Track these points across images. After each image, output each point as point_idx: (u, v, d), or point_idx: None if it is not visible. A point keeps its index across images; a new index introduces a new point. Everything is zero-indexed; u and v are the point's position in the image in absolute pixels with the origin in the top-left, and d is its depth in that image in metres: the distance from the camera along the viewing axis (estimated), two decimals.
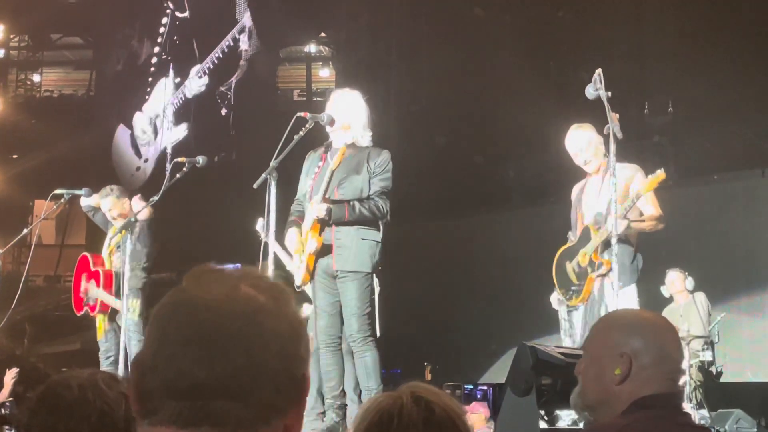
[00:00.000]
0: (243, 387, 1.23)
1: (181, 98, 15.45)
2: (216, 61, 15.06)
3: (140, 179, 15.36)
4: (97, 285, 7.60)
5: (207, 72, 15.14)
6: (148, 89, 15.90)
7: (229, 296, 1.27)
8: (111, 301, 7.48)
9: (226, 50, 14.95)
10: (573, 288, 5.89)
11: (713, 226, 10.35)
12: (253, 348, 1.25)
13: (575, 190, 6.08)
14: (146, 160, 15.73)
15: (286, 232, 5.65)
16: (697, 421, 7.39)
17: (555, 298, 6.14)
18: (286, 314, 1.30)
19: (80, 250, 8.29)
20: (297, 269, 5.69)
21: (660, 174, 5.44)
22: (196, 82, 15.22)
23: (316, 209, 5.39)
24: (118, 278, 7.49)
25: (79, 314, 7.83)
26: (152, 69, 15.90)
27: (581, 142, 5.81)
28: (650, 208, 5.70)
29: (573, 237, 6.00)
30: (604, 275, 5.67)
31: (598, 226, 5.69)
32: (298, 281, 5.79)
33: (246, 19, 14.71)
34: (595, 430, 2.21)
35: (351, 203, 5.38)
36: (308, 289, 5.80)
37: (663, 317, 2.48)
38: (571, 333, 6.02)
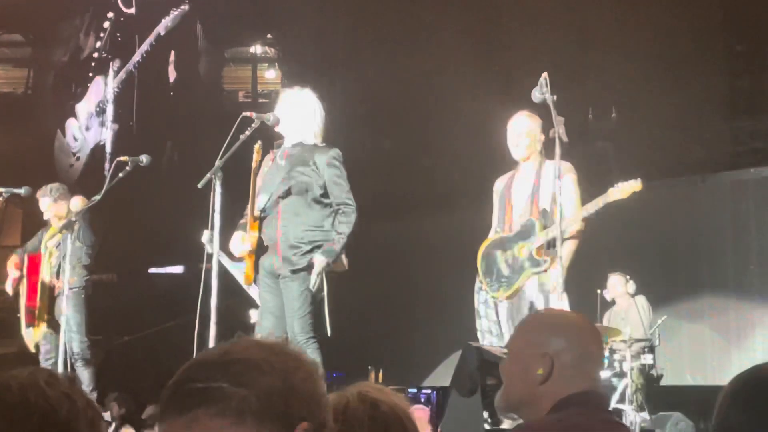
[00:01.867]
0: (239, 375, 1.32)
1: (116, 92, 15.31)
2: (137, 66, 14.96)
3: (74, 176, 15.17)
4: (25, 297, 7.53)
5: (127, 76, 15.05)
6: (88, 84, 15.70)
7: (264, 342, 1.43)
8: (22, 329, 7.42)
9: (145, 55, 14.86)
10: (503, 279, 5.84)
11: (654, 231, 10.49)
12: (262, 364, 1.36)
13: (500, 182, 6.03)
14: (78, 158, 15.54)
15: (234, 234, 5.60)
16: (637, 424, 7.48)
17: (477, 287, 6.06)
18: (307, 376, 1.40)
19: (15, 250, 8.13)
20: (240, 270, 5.65)
21: (637, 183, 5.45)
22: (111, 86, 15.18)
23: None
24: (44, 288, 7.40)
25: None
26: (93, 64, 15.69)
27: (525, 128, 5.80)
28: (575, 209, 5.69)
29: (499, 228, 5.97)
30: (543, 272, 5.67)
31: (545, 223, 5.68)
32: (241, 282, 5.75)
33: (161, 27, 14.62)
34: (523, 427, 2.23)
35: (334, 240, 5.38)
36: (253, 292, 5.75)
37: (585, 317, 2.52)
38: (490, 326, 5.95)
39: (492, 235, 6.03)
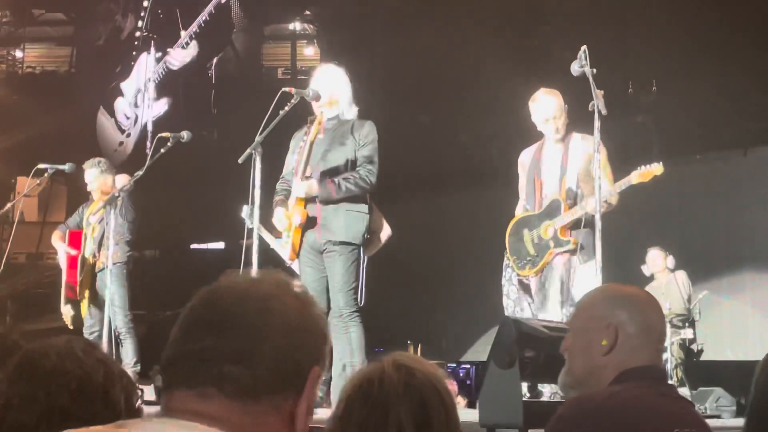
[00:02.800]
0: (245, 355, 1.32)
1: (162, 72, 15.34)
2: (202, 25, 14.90)
3: (123, 154, 15.28)
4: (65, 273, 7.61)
5: (193, 38, 15.01)
6: (132, 63, 15.78)
7: (250, 285, 1.40)
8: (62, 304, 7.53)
9: (213, 11, 14.79)
10: (528, 258, 5.86)
11: (696, 206, 10.42)
12: (259, 324, 1.34)
13: (526, 154, 6.01)
14: (128, 135, 15.64)
15: (274, 212, 5.64)
16: None
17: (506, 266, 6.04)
18: (299, 310, 1.39)
19: None
20: (284, 246, 5.68)
21: (658, 167, 5.44)
22: (179, 53, 15.10)
23: (302, 188, 5.36)
24: (86, 264, 7.49)
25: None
26: (135, 43, 15.78)
27: (553, 108, 5.79)
28: (608, 184, 5.67)
29: (529, 206, 5.97)
30: (568, 252, 5.67)
31: (571, 203, 5.67)
32: (285, 258, 5.79)
33: None
34: (581, 398, 2.23)
35: (336, 181, 5.36)
36: (296, 267, 5.80)
37: (645, 291, 2.52)
38: (508, 304, 5.98)
39: (519, 212, 6.05)
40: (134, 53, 15.80)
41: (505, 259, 6.06)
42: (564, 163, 5.78)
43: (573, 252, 5.65)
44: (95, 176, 7.54)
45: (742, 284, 10.16)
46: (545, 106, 5.81)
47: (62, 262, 7.66)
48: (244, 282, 1.41)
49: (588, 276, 5.46)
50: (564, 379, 2.36)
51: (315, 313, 1.42)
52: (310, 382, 1.36)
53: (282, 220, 5.56)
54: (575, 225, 5.66)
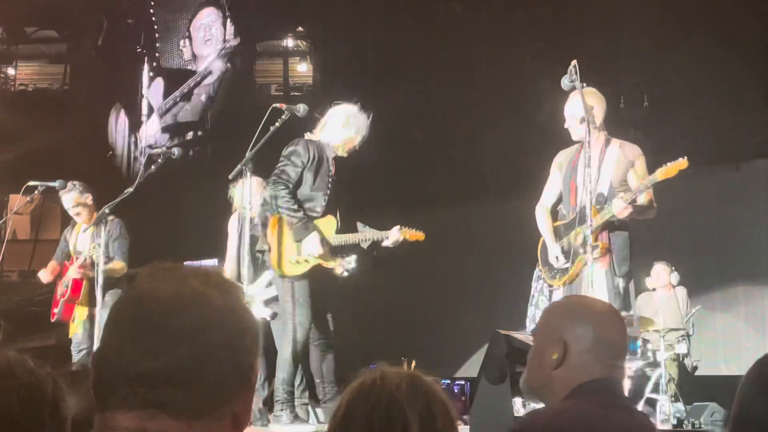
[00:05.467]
0: (187, 376, 1.28)
1: (170, 105, 15.34)
2: (190, 86, 15.06)
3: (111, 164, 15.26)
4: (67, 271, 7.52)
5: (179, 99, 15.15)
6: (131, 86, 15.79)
7: (176, 291, 1.33)
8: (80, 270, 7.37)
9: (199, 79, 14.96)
10: (559, 267, 5.81)
11: (688, 221, 10.41)
12: (196, 340, 1.30)
13: (564, 156, 5.87)
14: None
15: (309, 234, 5.56)
16: (672, 414, 7.42)
17: (553, 255, 5.91)
18: (232, 308, 1.35)
19: (54, 245, 8.18)
20: (296, 263, 5.65)
21: (683, 162, 5.39)
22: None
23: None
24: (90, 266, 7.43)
25: (52, 320, 7.67)
26: (127, 62, 15.79)
27: (584, 106, 5.61)
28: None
29: (565, 210, 5.89)
30: (597, 258, 5.60)
31: (600, 207, 5.60)
32: (285, 272, 5.79)
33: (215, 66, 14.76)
34: (531, 415, 2.24)
35: None
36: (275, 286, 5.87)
37: (608, 304, 2.49)
38: (536, 314, 5.95)
39: (541, 210, 6.00)
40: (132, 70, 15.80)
41: (537, 269, 6.01)
42: (600, 168, 5.69)
43: (602, 256, 5.57)
44: (74, 198, 7.41)
45: (735, 298, 10.15)
46: (577, 103, 5.47)
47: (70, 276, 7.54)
48: (169, 285, 1.34)
49: (602, 282, 5.43)
50: (522, 385, 2.38)
51: (243, 303, 1.38)
52: (252, 381, 1.36)
53: (317, 250, 5.53)
54: (605, 229, 5.60)
